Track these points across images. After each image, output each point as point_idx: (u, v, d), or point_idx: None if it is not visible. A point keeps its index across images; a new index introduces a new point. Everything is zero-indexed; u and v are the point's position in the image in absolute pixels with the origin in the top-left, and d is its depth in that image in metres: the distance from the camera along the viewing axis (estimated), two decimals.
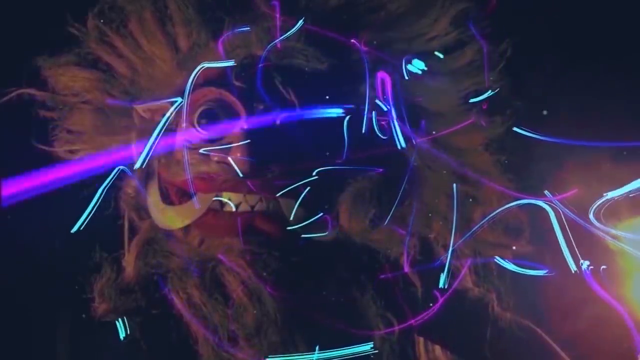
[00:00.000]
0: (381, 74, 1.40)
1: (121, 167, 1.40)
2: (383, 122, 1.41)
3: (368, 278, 1.42)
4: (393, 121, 1.39)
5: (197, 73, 1.37)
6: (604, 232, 1.40)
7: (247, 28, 1.36)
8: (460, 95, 1.48)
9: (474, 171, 1.46)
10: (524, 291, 1.48)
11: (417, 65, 1.41)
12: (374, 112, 1.40)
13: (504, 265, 1.44)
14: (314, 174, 1.37)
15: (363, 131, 1.39)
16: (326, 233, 1.40)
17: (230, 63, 1.36)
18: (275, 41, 1.35)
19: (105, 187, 1.39)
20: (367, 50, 1.40)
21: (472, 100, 1.47)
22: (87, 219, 1.36)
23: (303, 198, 1.38)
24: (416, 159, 1.43)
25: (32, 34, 1.50)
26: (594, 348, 1.51)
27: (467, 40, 1.48)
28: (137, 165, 1.38)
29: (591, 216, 1.40)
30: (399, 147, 1.39)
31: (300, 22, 1.36)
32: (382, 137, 1.41)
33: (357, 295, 1.40)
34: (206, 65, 1.37)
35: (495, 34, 1.47)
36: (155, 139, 1.38)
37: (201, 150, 1.38)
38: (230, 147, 1.37)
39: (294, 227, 1.38)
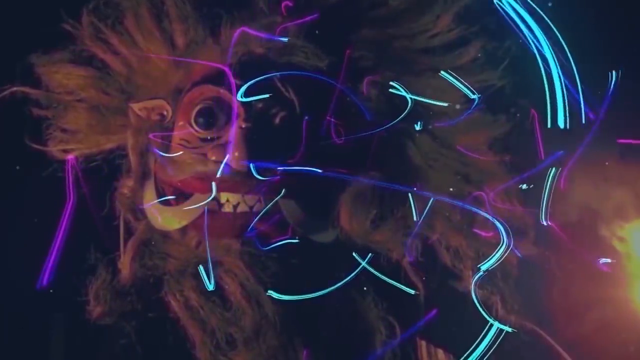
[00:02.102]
0: None
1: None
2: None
3: (369, 280, 1.39)
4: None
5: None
6: None
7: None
8: (462, 93, 1.46)
9: (478, 171, 1.44)
10: (528, 294, 1.47)
11: None
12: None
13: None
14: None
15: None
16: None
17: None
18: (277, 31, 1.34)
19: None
20: (351, 60, 1.39)
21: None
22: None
23: (302, 199, 1.36)
24: (416, 156, 1.43)
25: (26, 30, 1.48)
26: (599, 351, 1.50)
27: (470, 37, 1.46)
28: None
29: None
30: None
31: (314, 16, 1.35)
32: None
33: (358, 297, 1.38)
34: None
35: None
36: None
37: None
38: (228, 146, 1.34)
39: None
